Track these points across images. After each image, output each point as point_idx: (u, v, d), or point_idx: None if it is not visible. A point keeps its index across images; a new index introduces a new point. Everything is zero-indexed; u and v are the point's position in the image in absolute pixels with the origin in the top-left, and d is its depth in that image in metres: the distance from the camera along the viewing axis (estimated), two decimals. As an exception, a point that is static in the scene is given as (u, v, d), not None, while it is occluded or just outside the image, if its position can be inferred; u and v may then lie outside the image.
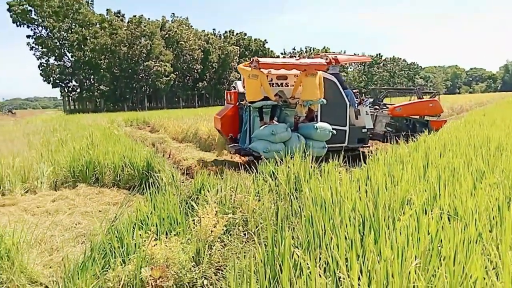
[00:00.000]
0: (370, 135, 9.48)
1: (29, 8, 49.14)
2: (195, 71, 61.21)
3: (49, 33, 51.14)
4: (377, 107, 10.74)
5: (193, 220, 3.88)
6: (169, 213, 3.99)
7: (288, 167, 4.83)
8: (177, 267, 2.99)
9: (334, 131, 8.10)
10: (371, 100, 10.07)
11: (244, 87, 8.65)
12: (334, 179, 3.79)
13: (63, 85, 53.87)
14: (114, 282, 2.79)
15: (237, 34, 76.02)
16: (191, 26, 65.51)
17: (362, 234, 2.35)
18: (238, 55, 67.20)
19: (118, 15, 56.60)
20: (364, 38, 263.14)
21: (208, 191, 4.66)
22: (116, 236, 3.48)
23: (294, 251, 2.26)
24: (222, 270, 3.19)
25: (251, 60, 8.09)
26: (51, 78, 51.87)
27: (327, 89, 8.20)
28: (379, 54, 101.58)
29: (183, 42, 58.15)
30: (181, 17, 64.84)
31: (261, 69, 7.75)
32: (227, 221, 3.73)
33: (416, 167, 4.39)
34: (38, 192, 6.76)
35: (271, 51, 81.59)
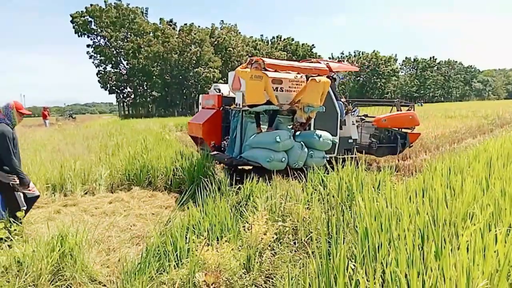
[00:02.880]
0: (356, 146, 9.08)
1: (90, 19, 52.55)
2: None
3: (107, 42, 54.28)
4: (363, 118, 10.32)
5: (244, 227, 3.92)
6: (220, 219, 4.05)
7: (339, 176, 4.74)
8: (228, 273, 3.03)
9: (336, 140, 7.74)
10: (358, 110, 9.68)
11: (232, 89, 8.11)
12: (388, 189, 3.67)
13: (118, 91, 56.89)
14: (168, 285, 2.87)
15: (284, 39, 76.25)
16: (239, 32, 66.60)
17: (421, 249, 2.24)
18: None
19: (170, 23, 58.82)
20: (417, 40, 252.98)
21: (258, 198, 4.69)
22: (170, 240, 3.59)
23: (348, 263, 2.21)
24: (272, 278, 3.18)
25: (248, 61, 7.51)
26: (108, 85, 55.03)
27: None
28: (433, 57, 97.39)
29: (231, 49, 59.22)
30: (229, 24, 66.14)
31: (266, 71, 7.20)
32: (277, 229, 3.73)
33: (477, 178, 4.14)
34: (96, 194, 7.16)
35: (319, 55, 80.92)
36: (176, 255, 3.40)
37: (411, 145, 9.72)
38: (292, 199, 4.48)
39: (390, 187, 3.72)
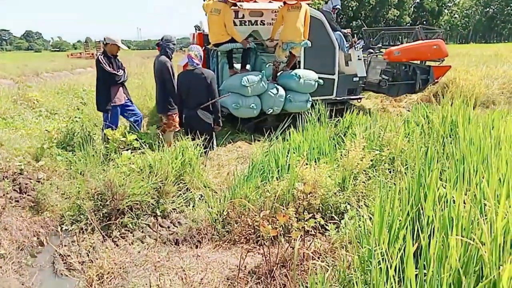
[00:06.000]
0: (362, 85, 7.86)
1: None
2: (350, 8, 58.22)
3: None
4: (371, 51, 8.87)
5: (341, 152, 4.14)
6: (318, 144, 4.33)
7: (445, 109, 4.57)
8: (324, 190, 3.33)
9: (321, 81, 6.64)
10: (362, 42, 7.99)
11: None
12: (497, 125, 3.47)
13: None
14: (271, 193, 3.30)
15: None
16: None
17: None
18: (400, -10, 60.85)
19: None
20: None
21: (357, 128, 4.82)
22: (272, 158, 4.01)
23: (440, 184, 2.31)
24: (365, 200, 3.41)
25: None
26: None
27: (311, 30, 6.49)
28: None
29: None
30: (339, -50, 61.05)
31: (228, 1, 6.05)
32: (373, 156, 3.87)
33: None
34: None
35: (443, -18, 71.26)
36: (278, 170, 3.81)
37: (436, 80, 8.36)
38: (392, 131, 4.51)
39: (501, 124, 3.51)
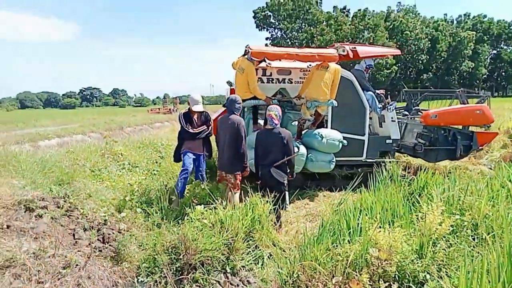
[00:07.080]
0: (396, 148, 7.29)
1: (269, 13, 56.87)
2: (420, 61, 57.32)
3: (283, 34, 57.88)
4: (406, 113, 8.40)
5: (417, 215, 3.93)
6: (392, 206, 4.16)
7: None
8: (400, 256, 3.16)
9: (345, 142, 6.34)
10: (395, 103, 7.48)
11: None
12: None
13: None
14: (343, 257, 3.20)
15: (474, 17, 66.84)
16: (419, 13, 61.52)
17: None
18: (474, 41, 58.90)
19: (344, 11, 58.55)
20: None
21: (433, 189, 4.58)
22: (343, 218, 3.92)
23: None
24: (446, 269, 3.16)
25: (245, 50, 6.51)
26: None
27: (340, 89, 6.48)
28: None
29: (408, 32, 55.22)
30: (408, 5, 61.75)
31: (253, 60, 6.23)
32: (454, 221, 3.62)
33: None
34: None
35: (519, 33, 67.86)
36: (349, 232, 3.70)
37: (481, 147, 7.65)
38: (473, 194, 4.21)
39: None
